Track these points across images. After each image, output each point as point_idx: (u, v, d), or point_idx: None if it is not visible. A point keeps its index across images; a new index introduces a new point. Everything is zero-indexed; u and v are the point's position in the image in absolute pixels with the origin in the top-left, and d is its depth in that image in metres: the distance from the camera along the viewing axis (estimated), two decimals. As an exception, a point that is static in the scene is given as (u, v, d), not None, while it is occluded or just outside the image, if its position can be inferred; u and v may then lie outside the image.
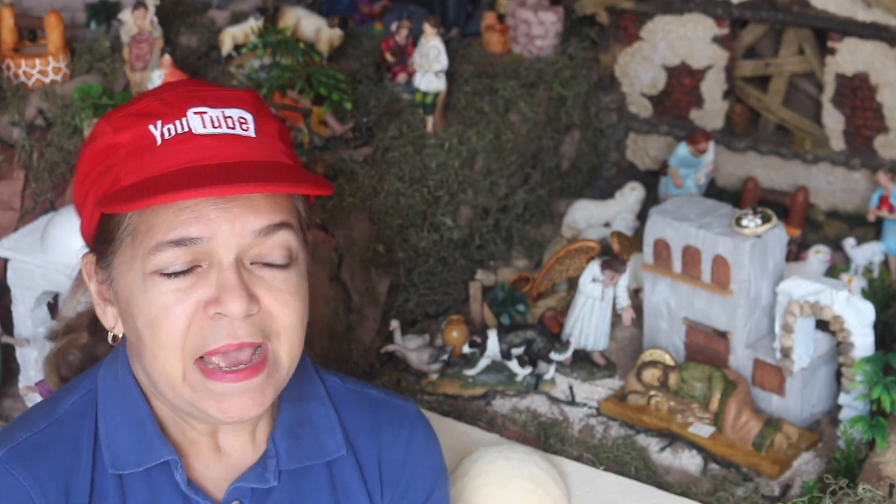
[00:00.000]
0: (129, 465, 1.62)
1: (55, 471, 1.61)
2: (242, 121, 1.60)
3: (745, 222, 3.19)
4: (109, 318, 1.66)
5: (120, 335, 1.66)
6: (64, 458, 1.62)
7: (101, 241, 1.62)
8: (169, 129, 1.56)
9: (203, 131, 1.56)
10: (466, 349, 3.38)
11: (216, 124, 1.58)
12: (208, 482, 1.68)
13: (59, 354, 1.82)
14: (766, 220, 3.20)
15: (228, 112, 1.59)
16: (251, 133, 1.60)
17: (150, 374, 1.60)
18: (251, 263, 1.57)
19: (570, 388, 3.41)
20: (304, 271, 1.64)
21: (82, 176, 1.63)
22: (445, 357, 3.37)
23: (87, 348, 1.82)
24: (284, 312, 1.59)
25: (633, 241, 3.74)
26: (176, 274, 1.54)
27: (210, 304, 1.54)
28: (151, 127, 1.56)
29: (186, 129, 1.56)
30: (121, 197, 1.52)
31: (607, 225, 4.14)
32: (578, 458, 3.05)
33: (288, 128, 1.71)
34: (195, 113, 1.57)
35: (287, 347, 1.61)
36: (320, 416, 1.75)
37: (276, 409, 1.73)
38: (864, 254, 3.87)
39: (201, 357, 1.56)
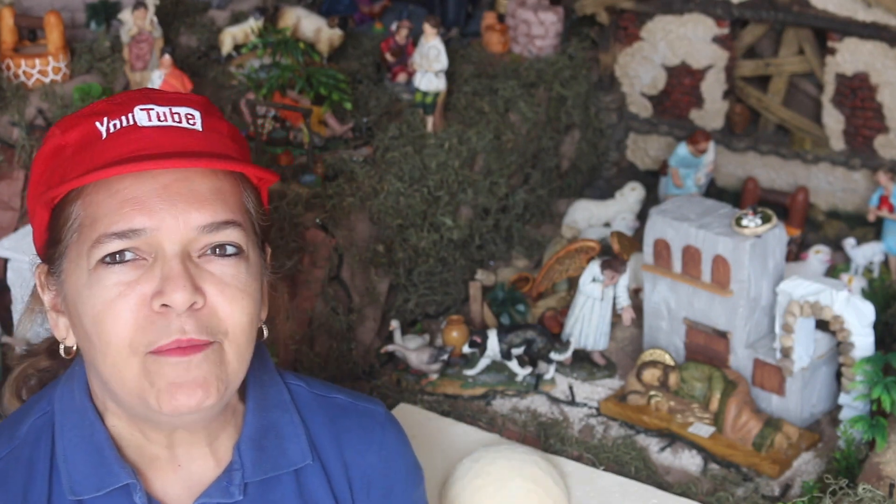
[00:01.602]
0: (88, 490, 1.59)
1: (12, 498, 1.59)
2: (189, 116, 1.60)
3: (745, 222, 3.19)
4: (61, 329, 1.63)
5: (73, 346, 1.63)
6: (19, 484, 1.61)
7: (51, 243, 1.60)
8: (114, 124, 1.57)
9: (147, 124, 1.57)
10: (466, 349, 3.38)
11: (162, 118, 1.58)
12: (169, 500, 1.65)
13: (19, 379, 1.79)
14: (766, 220, 3.20)
15: (176, 109, 1.60)
16: (197, 127, 1.60)
17: (102, 376, 1.57)
18: (198, 257, 1.55)
19: (570, 388, 3.41)
20: (257, 272, 1.61)
21: (34, 183, 1.63)
22: (445, 357, 3.37)
23: (47, 372, 1.79)
24: (231, 309, 1.55)
25: (633, 241, 3.74)
26: (119, 262, 1.52)
27: (154, 296, 1.51)
28: (98, 123, 1.58)
29: (131, 123, 1.57)
30: (59, 182, 1.55)
31: (607, 225, 4.14)
32: (578, 458, 3.05)
33: (239, 131, 1.71)
34: (141, 109, 1.58)
35: (235, 346, 1.57)
36: (285, 423, 1.72)
37: (241, 419, 1.70)
38: (864, 254, 3.87)
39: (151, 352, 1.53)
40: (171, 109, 1.59)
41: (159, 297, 1.51)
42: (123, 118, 1.57)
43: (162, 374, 1.52)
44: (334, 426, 1.76)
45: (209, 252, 1.55)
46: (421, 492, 1.85)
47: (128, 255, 1.52)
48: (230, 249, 1.56)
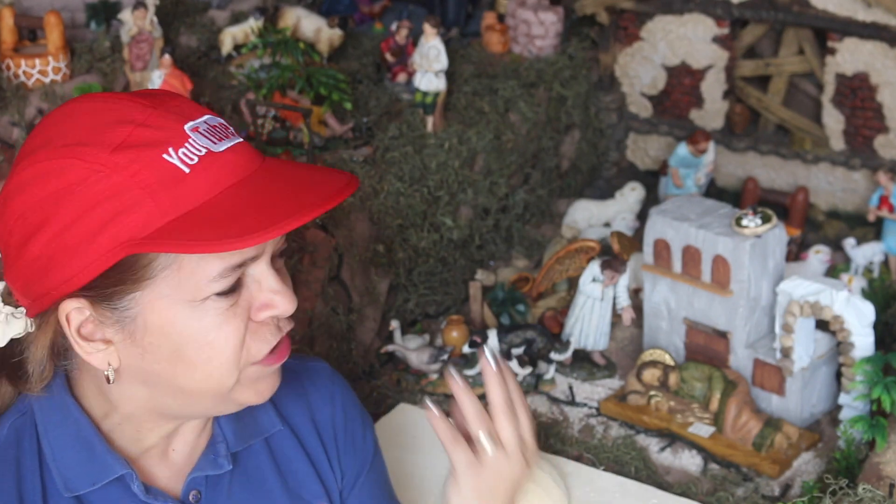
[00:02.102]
0: (84, 485, 1.60)
1: (7, 498, 1.59)
2: (224, 126, 1.58)
3: (745, 222, 3.19)
4: (101, 357, 1.58)
5: (114, 370, 1.59)
6: (12, 483, 1.60)
7: (115, 282, 1.53)
8: (186, 154, 1.50)
9: (219, 148, 1.53)
10: (466, 349, 3.37)
11: (219, 136, 1.55)
12: (163, 480, 1.69)
13: None
14: (766, 220, 3.20)
15: (210, 121, 1.56)
16: (238, 136, 1.58)
17: (191, 392, 1.58)
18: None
19: (570, 388, 3.41)
20: None
21: (68, 222, 1.50)
22: (445, 357, 3.37)
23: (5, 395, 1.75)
24: (292, 295, 1.63)
25: (633, 241, 3.74)
26: (228, 292, 1.54)
27: (261, 309, 1.57)
28: (166, 156, 1.49)
29: (205, 150, 1.52)
30: (192, 236, 1.46)
31: (607, 225, 4.14)
32: (578, 458, 3.05)
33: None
34: (192, 129, 1.53)
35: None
36: None
37: None
38: (864, 254, 3.87)
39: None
40: (207, 123, 1.56)
41: (268, 309, 1.57)
42: (190, 145, 1.51)
43: (262, 379, 1.61)
44: (293, 390, 1.84)
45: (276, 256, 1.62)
46: (374, 435, 1.97)
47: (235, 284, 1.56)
48: (285, 246, 1.63)
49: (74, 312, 1.56)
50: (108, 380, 1.59)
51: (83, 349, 1.57)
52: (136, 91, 1.64)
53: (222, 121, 1.59)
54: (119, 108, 1.54)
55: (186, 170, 1.49)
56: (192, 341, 1.54)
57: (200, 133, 1.53)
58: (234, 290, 1.54)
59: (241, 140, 1.58)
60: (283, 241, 1.61)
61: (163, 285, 1.52)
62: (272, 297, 1.56)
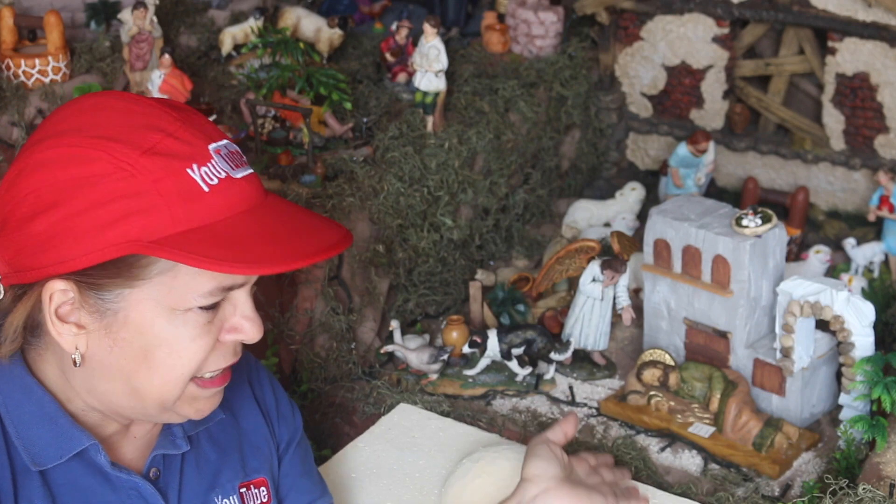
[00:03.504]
0: (51, 459, 1.67)
1: None
2: (240, 155, 1.68)
3: (745, 222, 3.19)
4: (70, 340, 1.65)
5: (80, 356, 1.66)
6: None
7: (111, 274, 1.60)
8: (207, 174, 1.60)
9: (238, 175, 1.63)
10: (466, 349, 3.37)
11: (237, 163, 1.65)
12: (125, 458, 1.80)
13: None
14: (766, 220, 3.20)
15: (229, 146, 1.67)
16: (249, 167, 1.69)
17: (140, 394, 1.66)
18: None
19: (570, 388, 3.41)
20: None
21: (82, 207, 1.57)
22: (445, 357, 3.37)
23: None
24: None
25: (633, 241, 3.74)
26: (210, 308, 1.65)
27: (229, 331, 1.67)
28: (189, 171, 1.59)
29: (224, 174, 1.61)
30: (205, 252, 1.54)
31: (607, 225, 4.14)
32: (578, 458, 3.05)
33: None
34: (215, 151, 1.63)
35: None
36: None
37: None
38: (865, 254, 3.87)
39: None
40: (227, 148, 1.66)
41: (237, 333, 1.68)
42: (212, 166, 1.61)
43: (200, 399, 1.72)
44: (235, 377, 1.95)
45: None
46: (301, 419, 2.15)
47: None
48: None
49: (59, 293, 1.62)
50: (74, 363, 1.65)
51: (55, 328, 1.64)
52: (163, 100, 1.69)
53: (237, 148, 1.69)
54: (152, 113, 1.63)
55: (206, 188, 1.58)
56: (164, 345, 1.63)
57: (222, 157, 1.63)
58: (213, 307, 1.64)
59: (253, 171, 1.68)
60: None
61: (154, 289, 1.60)
62: (243, 322, 1.67)
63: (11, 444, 1.66)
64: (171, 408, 1.69)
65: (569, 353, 3.40)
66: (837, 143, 4.26)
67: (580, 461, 2.26)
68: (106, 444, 1.75)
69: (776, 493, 2.98)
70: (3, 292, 1.66)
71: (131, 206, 1.56)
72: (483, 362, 3.41)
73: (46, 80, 3.82)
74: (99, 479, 1.71)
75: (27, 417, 1.68)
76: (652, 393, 3.24)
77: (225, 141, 1.66)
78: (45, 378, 1.72)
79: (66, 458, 1.68)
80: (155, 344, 1.63)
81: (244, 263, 1.54)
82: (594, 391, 3.40)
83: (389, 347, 3.42)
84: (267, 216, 1.63)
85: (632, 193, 4.22)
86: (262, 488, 1.96)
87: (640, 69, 4.52)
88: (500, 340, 3.36)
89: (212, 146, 1.62)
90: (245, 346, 1.80)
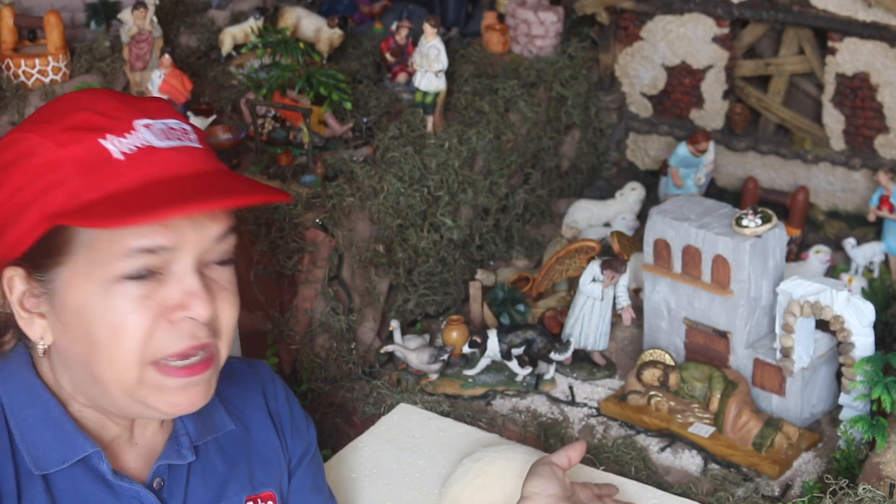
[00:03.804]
0: (53, 464, 1.65)
1: None
2: (185, 131, 1.64)
3: (745, 222, 3.19)
4: (37, 330, 1.65)
5: (47, 346, 1.66)
6: None
7: (43, 254, 1.60)
8: (124, 143, 1.58)
9: (161, 144, 1.59)
10: (466, 349, 3.37)
11: (169, 136, 1.61)
12: (128, 471, 1.76)
13: None
14: (766, 220, 3.20)
15: (169, 123, 1.63)
16: (197, 143, 1.65)
17: (100, 379, 1.62)
18: (204, 267, 1.63)
19: (570, 388, 3.41)
20: None
21: (13, 190, 1.60)
22: (445, 357, 3.37)
23: None
24: (229, 312, 1.68)
25: (633, 241, 3.74)
26: (139, 278, 1.58)
27: (175, 309, 1.59)
28: (102, 140, 1.57)
29: (146, 143, 1.58)
30: (102, 212, 1.52)
31: (607, 225, 4.14)
32: (578, 458, 3.05)
33: (201, 131, 1.76)
34: (144, 126, 1.60)
35: (226, 343, 1.70)
36: None
37: None
38: (865, 254, 3.87)
39: (157, 361, 1.62)
40: (166, 124, 1.62)
41: (181, 310, 1.60)
42: (133, 136, 1.58)
43: (170, 390, 1.64)
44: (246, 387, 1.96)
45: (214, 260, 1.65)
46: (316, 434, 2.11)
47: (148, 272, 1.59)
48: (227, 256, 1.66)
49: (17, 280, 1.63)
50: (41, 352, 1.66)
51: (21, 318, 1.65)
52: (123, 93, 1.69)
53: (188, 128, 1.65)
54: (96, 99, 1.63)
55: (120, 157, 1.56)
56: (100, 323, 1.58)
57: (151, 131, 1.59)
58: (145, 278, 1.57)
59: (198, 147, 1.63)
60: (227, 251, 1.65)
61: (81, 262, 1.58)
62: (186, 298, 1.60)
63: (16, 447, 1.65)
64: (138, 398, 1.63)
65: (569, 353, 3.40)
66: (837, 143, 4.26)
67: (584, 488, 2.24)
68: (109, 451, 1.73)
69: (776, 493, 2.97)
70: None
71: (49, 181, 1.56)
72: (483, 362, 3.41)
73: (46, 80, 3.82)
74: (101, 486, 1.69)
75: (32, 420, 1.67)
76: (652, 393, 3.24)
77: (172, 121, 1.63)
78: (46, 379, 1.71)
79: (69, 464, 1.66)
80: (94, 323, 1.58)
81: (130, 214, 1.49)
82: (594, 391, 3.40)
83: (389, 347, 3.42)
84: (192, 182, 1.57)
85: (632, 193, 4.22)
86: (270, 503, 1.92)
87: (640, 69, 4.52)
88: (500, 340, 3.36)
89: (140, 121, 1.59)
90: (248, 347, 1.79)
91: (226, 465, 1.87)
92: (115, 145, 1.57)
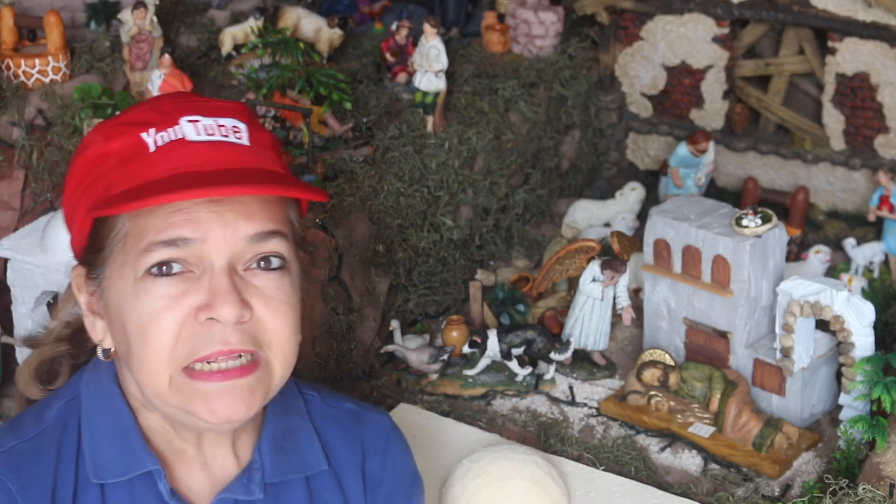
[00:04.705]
0: (112, 475, 1.61)
1: (43, 479, 1.60)
2: (236, 129, 1.60)
3: (745, 222, 3.19)
4: (98, 331, 1.65)
5: (111, 349, 1.65)
6: (50, 466, 1.62)
7: (92, 250, 1.61)
8: (162, 137, 1.56)
9: (196, 138, 1.57)
10: (466, 349, 3.37)
11: (210, 132, 1.58)
12: (191, 493, 1.67)
13: (41, 364, 1.80)
14: (766, 220, 3.20)
15: (222, 121, 1.60)
16: (245, 141, 1.60)
17: (138, 382, 1.59)
18: (244, 270, 1.56)
19: (570, 388, 3.41)
20: (297, 283, 1.63)
21: (73, 186, 1.62)
22: (445, 357, 3.37)
23: (69, 358, 1.80)
24: (276, 321, 1.58)
25: (633, 241, 3.74)
26: (167, 275, 1.53)
27: (201, 309, 1.53)
28: (143, 135, 1.57)
29: (180, 136, 1.56)
30: (114, 200, 1.52)
31: (607, 225, 4.14)
32: (578, 458, 3.05)
33: (279, 140, 1.71)
34: (188, 121, 1.58)
35: (280, 357, 1.60)
36: (301, 430, 1.76)
37: (261, 420, 1.73)
38: (865, 254, 3.87)
39: (189, 366, 1.55)
40: (216, 122, 1.59)
41: (207, 310, 1.53)
42: (171, 130, 1.57)
43: (202, 396, 1.55)
44: (346, 435, 1.80)
45: (254, 265, 1.57)
46: (421, 502, 1.89)
47: (175, 268, 1.54)
48: (275, 262, 1.58)
49: (81, 280, 1.65)
50: (104, 355, 1.65)
51: (87, 318, 1.65)
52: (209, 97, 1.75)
53: (242, 127, 1.60)
54: (168, 98, 1.65)
55: (153, 148, 1.55)
56: (131, 322, 1.55)
57: (195, 126, 1.57)
58: (173, 276, 1.53)
59: (242, 144, 1.59)
60: (269, 255, 1.57)
61: (117, 258, 1.57)
62: (212, 297, 1.53)
63: (81, 453, 1.63)
64: (173, 403, 1.56)
65: (569, 353, 3.40)
66: (837, 143, 4.26)
67: None
68: (173, 468, 1.66)
69: (776, 493, 2.98)
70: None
71: (96, 175, 1.58)
72: (483, 362, 3.41)
73: (46, 80, 3.82)
74: None
75: (102, 427, 1.64)
76: (652, 393, 3.24)
77: (222, 118, 1.60)
78: (124, 387, 1.68)
79: (128, 478, 1.61)
80: (127, 322, 1.56)
81: (140, 199, 1.48)
82: (594, 391, 3.40)
83: (389, 347, 3.42)
84: (213, 176, 1.53)
85: (632, 193, 4.22)
86: None
87: (640, 69, 4.52)
88: (500, 340, 3.36)
89: (188, 117, 1.58)
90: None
91: None
92: (153, 139, 1.56)
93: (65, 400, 1.68)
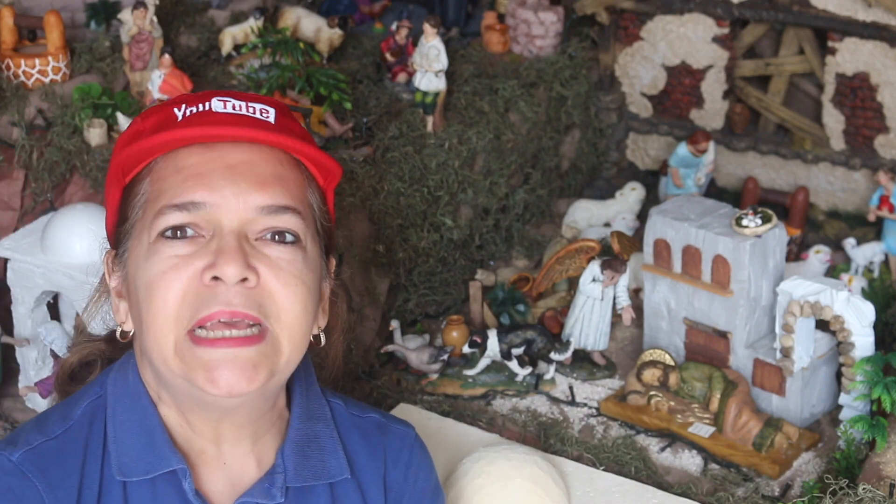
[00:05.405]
0: (136, 473, 1.62)
1: (69, 476, 1.61)
2: (264, 111, 1.65)
3: (745, 222, 3.19)
4: (121, 313, 1.68)
5: (130, 332, 1.67)
6: (76, 464, 1.62)
7: (120, 222, 1.66)
8: (191, 110, 1.63)
9: (222, 111, 1.62)
10: (466, 349, 3.38)
11: (237, 108, 1.63)
12: (212, 495, 1.68)
13: (76, 363, 1.82)
14: (766, 220, 3.20)
15: (252, 104, 1.65)
16: (270, 119, 1.64)
17: (147, 351, 1.60)
18: (256, 239, 1.58)
19: (570, 388, 3.41)
20: (316, 267, 1.65)
21: (114, 167, 1.68)
22: (445, 357, 3.37)
23: (104, 358, 1.81)
24: (285, 293, 1.57)
25: (633, 241, 3.74)
26: (178, 238, 1.56)
27: (206, 269, 1.54)
28: (175, 109, 1.63)
29: (207, 109, 1.62)
30: (136, 155, 1.63)
31: (607, 225, 4.14)
32: (578, 458, 3.05)
33: (311, 135, 1.75)
34: (219, 100, 1.64)
35: (288, 333, 1.59)
36: (326, 437, 1.75)
37: (285, 425, 1.74)
38: (865, 254, 3.87)
39: (193, 330, 1.55)
40: (247, 103, 1.65)
41: (211, 269, 1.54)
42: (200, 105, 1.63)
43: (203, 363, 1.55)
44: (370, 444, 1.80)
45: (268, 237, 1.59)
46: None
47: (188, 232, 1.57)
48: (289, 237, 1.60)
49: (110, 261, 1.70)
50: (121, 336, 1.68)
51: (114, 302, 1.69)
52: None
53: (271, 110, 1.65)
54: (211, 90, 1.74)
55: (180, 118, 1.62)
56: (141, 285, 1.57)
57: (223, 103, 1.63)
58: (183, 238, 1.56)
59: (265, 121, 1.63)
60: (281, 228, 1.59)
61: (138, 227, 1.61)
62: (216, 256, 1.54)
63: (107, 450, 1.64)
64: (177, 371, 1.55)
65: (569, 353, 3.40)
66: (837, 143, 4.26)
67: None
68: (196, 469, 1.66)
69: (776, 493, 2.98)
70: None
71: (127, 151, 1.64)
72: (483, 362, 3.41)
73: (46, 80, 3.82)
74: None
75: (128, 425, 1.65)
76: (652, 393, 3.24)
77: (253, 102, 1.66)
78: (144, 381, 1.68)
79: (152, 476, 1.62)
80: (137, 285, 1.58)
81: (151, 151, 1.59)
82: (594, 391, 3.40)
83: (389, 347, 3.42)
84: (223, 135, 1.62)
85: (632, 193, 4.22)
86: None
87: (640, 69, 4.52)
88: (500, 340, 3.36)
89: (219, 97, 1.64)
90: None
91: None
92: (183, 112, 1.63)
93: (92, 398, 1.69)
